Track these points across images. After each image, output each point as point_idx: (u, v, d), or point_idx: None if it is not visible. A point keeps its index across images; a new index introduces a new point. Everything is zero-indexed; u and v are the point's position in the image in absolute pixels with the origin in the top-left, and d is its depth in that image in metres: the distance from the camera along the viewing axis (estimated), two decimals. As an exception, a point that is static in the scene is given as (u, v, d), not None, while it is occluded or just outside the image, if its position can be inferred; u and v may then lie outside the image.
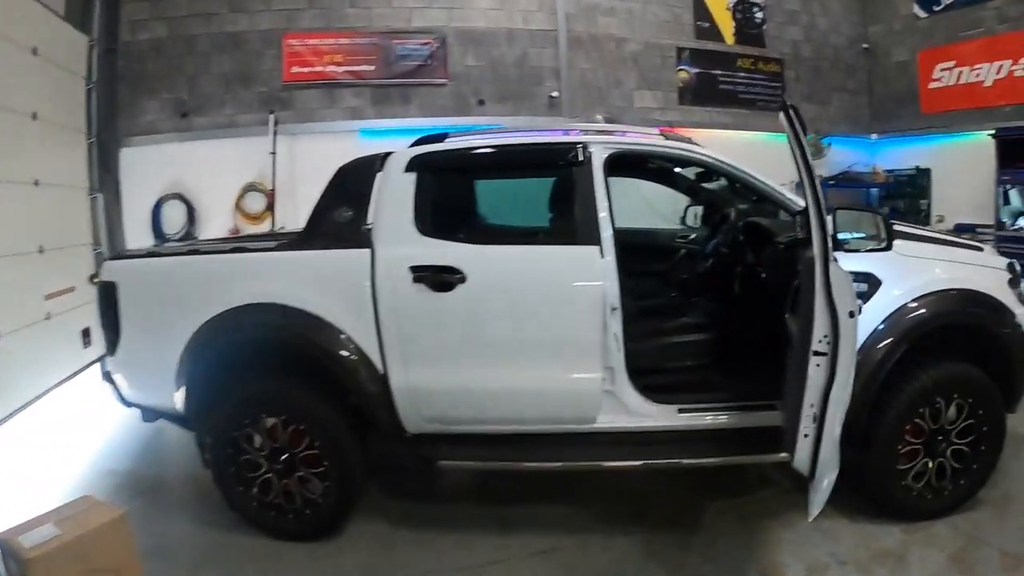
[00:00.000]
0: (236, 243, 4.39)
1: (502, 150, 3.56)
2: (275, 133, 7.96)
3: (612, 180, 3.47)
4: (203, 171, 7.90)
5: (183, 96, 7.97)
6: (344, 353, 3.23)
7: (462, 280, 3.19)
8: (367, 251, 3.26)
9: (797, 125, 2.77)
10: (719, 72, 9.47)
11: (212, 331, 3.30)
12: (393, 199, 3.33)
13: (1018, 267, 3.65)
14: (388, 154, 3.47)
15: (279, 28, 8.10)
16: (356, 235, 3.34)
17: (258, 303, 3.29)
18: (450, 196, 3.68)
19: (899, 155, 9.93)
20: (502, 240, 3.83)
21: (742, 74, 9.60)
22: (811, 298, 2.70)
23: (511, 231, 4.38)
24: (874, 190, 9.91)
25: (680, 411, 3.36)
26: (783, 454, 2.99)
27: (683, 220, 5.23)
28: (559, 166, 3.44)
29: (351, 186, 3.50)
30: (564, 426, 3.38)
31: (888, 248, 3.13)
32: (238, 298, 3.29)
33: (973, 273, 3.44)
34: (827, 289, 2.68)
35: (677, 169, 4.71)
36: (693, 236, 5.06)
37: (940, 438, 3.35)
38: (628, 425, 3.35)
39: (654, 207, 5.30)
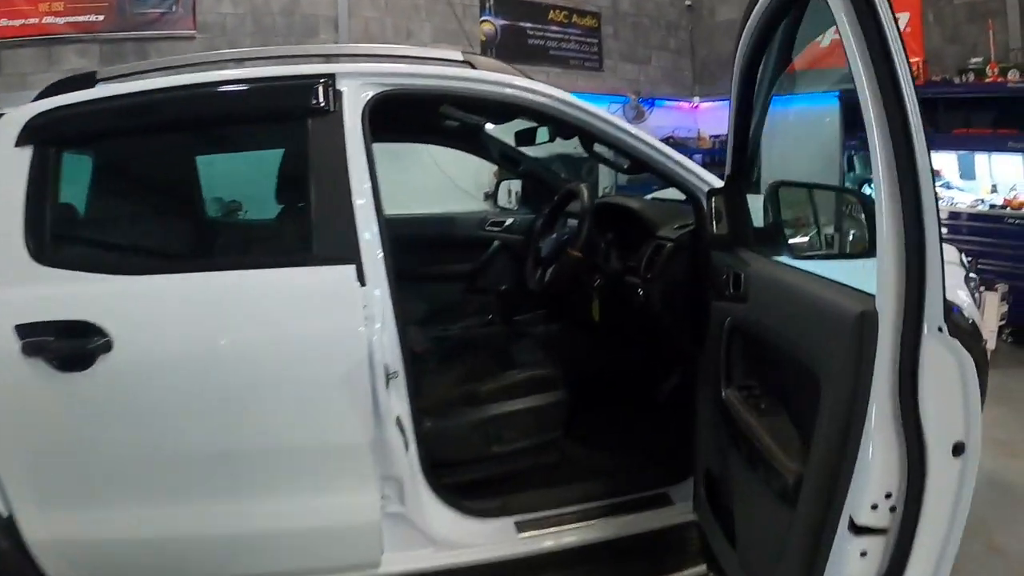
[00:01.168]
0: None
1: (182, 97, 2.10)
2: (-27, 107, 6.36)
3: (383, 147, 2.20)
4: None
5: None
6: None
7: (106, 347, 1.82)
8: None
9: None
10: (528, 25, 8.87)
11: None
12: None
13: (966, 257, 2.90)
14: None
15: (-17, -31, 6.53)
16: None
17: None
18: (95, 188, 2.32)
19: (725, 119, 9.60)
20: (182, 265, 2.28)
21: (555, 28, 9.07)
22: (849, 408, 1.37)
23: (205, 246, 2.82)
24: (698, 156, 9.63)
25: (520, 527, 2.21)
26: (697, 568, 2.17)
27: (492, 197, 4.00)
28: (283, 120, 2.18)
29: None
30: None
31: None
32: None
33: None
34: (909, 396, 1.34)
35: (489, 124, 3.35)
36: (511, 222, 3.77)
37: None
38: (437, 563, 2.14)
39: (456, 183, 4.03)
